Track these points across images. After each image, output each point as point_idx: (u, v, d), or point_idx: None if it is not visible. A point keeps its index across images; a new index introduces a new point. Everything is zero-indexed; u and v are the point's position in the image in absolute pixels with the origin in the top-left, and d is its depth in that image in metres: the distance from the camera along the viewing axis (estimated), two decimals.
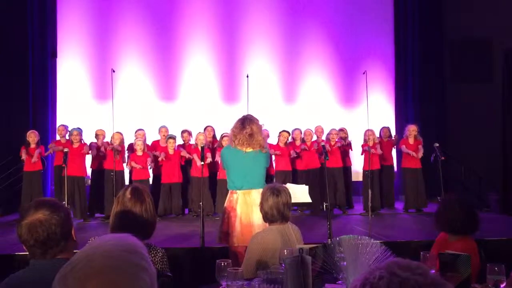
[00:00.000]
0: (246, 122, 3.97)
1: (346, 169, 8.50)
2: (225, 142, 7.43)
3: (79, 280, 0.92)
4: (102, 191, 7.70)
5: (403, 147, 8.30)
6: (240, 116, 4.11)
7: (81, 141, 7.68)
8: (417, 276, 0.86)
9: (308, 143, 8.26)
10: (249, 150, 3.95)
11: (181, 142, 8.36)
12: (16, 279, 1.77)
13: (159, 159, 7.79)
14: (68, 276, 0.94)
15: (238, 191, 3.95)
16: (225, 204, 4.05)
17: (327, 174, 7.36)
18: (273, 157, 7.90)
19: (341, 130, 8.68)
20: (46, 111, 9.21)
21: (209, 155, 7.68)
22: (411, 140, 8.31)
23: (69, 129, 7.91)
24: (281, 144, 8.17)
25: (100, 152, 7.77)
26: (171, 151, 7.88)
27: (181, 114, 9.66)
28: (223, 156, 4.17)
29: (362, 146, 8.25)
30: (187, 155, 7.89)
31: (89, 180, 8.18)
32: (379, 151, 8.15)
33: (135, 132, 8.20)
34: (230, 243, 3.92)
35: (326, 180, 5.66)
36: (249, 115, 4.17)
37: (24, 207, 1.90)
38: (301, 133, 8.45)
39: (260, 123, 4.10)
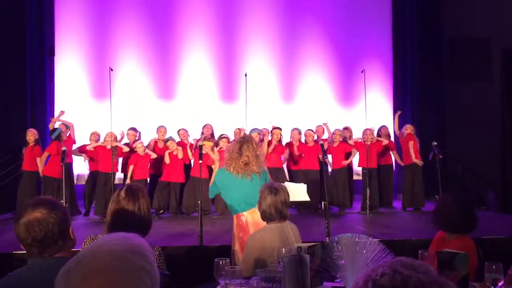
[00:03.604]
0: (243, 149, 3.89)
1: (348, 168, 8.48)
2: (223, 143, 7.42)
3: (81, 277, 0.93)
4: (98, 192, 7.68)
5: (410, 144, 8.31)
6: (239, 139, 4.05)
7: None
8: (420, 274, 0.86)
9: (310, 144, 8.25)
10: (244, 175, 3.90)
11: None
12: (14, 278, 1.77)
13: (174, 152, 7.81)
14: (72, 271, 0.95)
15: (244, 213, 3.87)
16: (237, 233, 3.92)
17: (332, 175, 7.35)
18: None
19: (346, 128, 8.64)
20: (44, 110, 9.20)
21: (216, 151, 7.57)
22: (404, 136, 8.36)
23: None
24: (275, 142, 8.16)
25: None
26: (175, 152, 7.87)
27: (179, 113, 9.65)
28: (219, 179, 4.01)
29: (355, 141, 8.26)
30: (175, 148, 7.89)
31: (85, 179, 8.24)
32: (385, 140, 8.18)
33: (127, 131, 8.17)
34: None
35: (324, 179, 5.66)
36: (248, 138, 4.09)
37: (22, 206, 1.90)
38: (299, 133, 8.43)
39: (256, 126, 4.06)
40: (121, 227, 2.22)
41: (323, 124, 8.52)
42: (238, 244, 3.89)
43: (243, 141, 4.01)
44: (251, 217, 3.84)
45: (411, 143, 8.25)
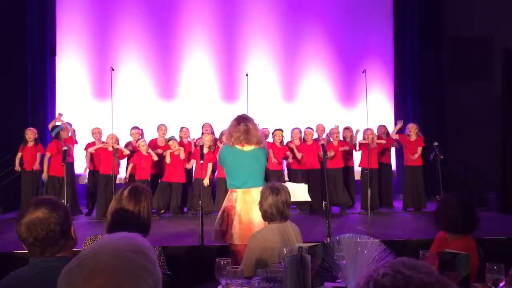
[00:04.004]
0: (241, 120, 4.00)
1: (348, 168, 8.49)
2: (225, 138, 7.42)
3: (83, 277, 0.93)
4: (99, 193, 7.69)
5: (419, 150, 8.25)
6: (235, 116, 4.13)
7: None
8: (422, 275, 0.86)
9: (309, 143, 8.26)
10: (248, 148, 3.95)
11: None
12: (15, 278, 1.77)
13: (176, 152, 7.82)
14: (74, 271, 0.95)
15: (237, 189, 3.95)
16: (225, 203, 4.05)
17: (328, 175, 7.38)
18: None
19: (347, 128, 8.63)
20: (45, 110, 9.20)
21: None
22: (412, 138, 8.32)
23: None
24: (277, 144, 8.17)
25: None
26: (176, 152, 7.87)
27: (180, 113, 9.65)
28: (220, 155, 4.17)
29: (359, 142, 8.27)
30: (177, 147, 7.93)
31: (86, 179, 8.27)
32: (374, 144, 8.14)
33: (130, 130, 8.18)
34: (229, 241, 3.92)
35: (325, 179, 5.66)
36: (244, 114, 4.20)
37: (24, 206, 1.90)
38: (300, 132, 8.44)
39: (256, 122, 4.12)
40: (120, 227, 2.23)
41: (335, 126, 8.44)
42: (222, 211, 4.00)
43: (240, 115, 4.12)
44: (241, 196, 3.91)
45: (419, 149, 8.21)
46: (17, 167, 7.63)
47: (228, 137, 4.06)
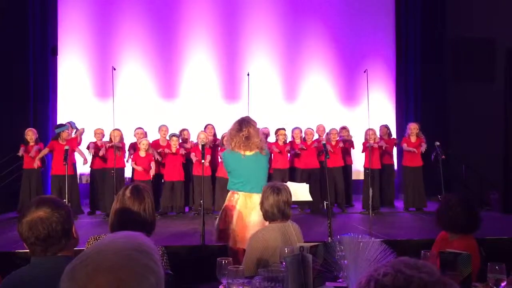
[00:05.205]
0: (243, 125, 3.96)
1: (346, 167, 8.50)
2: (225, 141, 7.43)
3: (86, 275, 0.93)
4: (104, 189, 7.71)
5: (404, 145, 8.29)
6: (239, 118, 4.11)
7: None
8: (423, 274, 0.85)
9: (309, 142, 8.26)
10: (248, 153, 3.94)
11: (180, 141, 8.37)
12: (17, 277, 1.78)
13: (163, 153, 7.82)
14: (77, 269, 0.95)
15: (239, 192, 3.94)
16: (225, 202, 4.05)
17: (329, 174, 7.40)
18: (272, 155, 7.90)
19: (343, 128, 8.66)
20: (47, 109, 9.21)
21: (208, 157, 7.70)
22: (413, 139, 8.30)
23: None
24: (280, 143, 8.18)
25: (99, 152, 7.72)
26: (174, 149, 7.87)
27: (181, 112, 9.66)
28: (224, 159, 4.18)
29: (363, 144, 8.26)
30: (187, 146, 7.93)
31: (88, 178, 8.26)
32: (384, 144, 8.15)
33: (135, 130, 8.19)
34: (228, 242, 3.92)
35: (326, 179, 5.66)
36: (247, 117, 4.17)
37: (25, 204, 1.91)
38: (301, 132, 8.44)
39: (258, 125, 4.11)
40: (125, 227, 2.23)
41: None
42: (222, 210, 4.00)
43: (242, 119, 4.08)
44: (243, 200, 3.89)
45: (423, 147, 8.19)
46: (20, 152, 7.64)
47: (228, 141, 4.05)
